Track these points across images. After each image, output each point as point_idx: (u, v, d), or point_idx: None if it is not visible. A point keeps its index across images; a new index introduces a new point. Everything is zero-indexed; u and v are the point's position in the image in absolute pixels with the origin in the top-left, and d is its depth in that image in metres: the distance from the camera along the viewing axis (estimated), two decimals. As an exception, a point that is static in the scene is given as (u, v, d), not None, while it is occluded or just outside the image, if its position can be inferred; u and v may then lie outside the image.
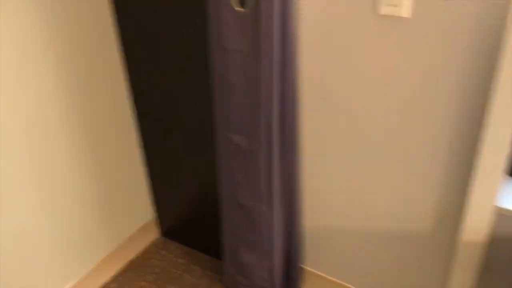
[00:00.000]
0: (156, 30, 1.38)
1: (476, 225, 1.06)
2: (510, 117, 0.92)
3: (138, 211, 1.78)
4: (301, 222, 1.41)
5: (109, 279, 1.67)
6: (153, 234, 1.87)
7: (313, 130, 1.26)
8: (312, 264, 1.51)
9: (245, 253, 1.43)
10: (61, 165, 1.40)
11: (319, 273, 1.51)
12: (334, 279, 1.49)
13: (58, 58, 1.30)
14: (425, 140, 1.10)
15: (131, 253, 1.77)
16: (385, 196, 1.23)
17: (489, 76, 0.95)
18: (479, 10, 0.91)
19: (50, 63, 1.29)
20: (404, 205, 1.22)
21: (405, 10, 0.98)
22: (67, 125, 1.39)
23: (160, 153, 1.66)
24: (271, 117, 1.16)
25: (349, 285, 1.47)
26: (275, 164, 1.23)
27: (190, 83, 1.40)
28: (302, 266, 1.51)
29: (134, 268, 1.73)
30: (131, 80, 1.54)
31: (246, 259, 1.44)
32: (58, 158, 1.38)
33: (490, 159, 0.98)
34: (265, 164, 1.23)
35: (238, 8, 1.07)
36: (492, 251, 1.11)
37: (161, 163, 1.69)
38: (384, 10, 1.00)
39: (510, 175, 1.11)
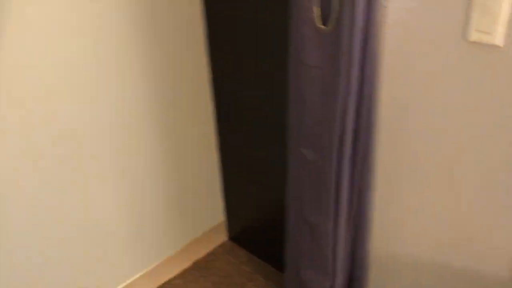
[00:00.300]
0: (242, 39, 1.43)
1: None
2: None
3: (209, 213, 1.83)
4: (368, 246, 1.37)
5: (174, 275, 1.74)
6: (222, 237, 1.91)
7: (389, 150, 1.22)
8: (376, 290, 1.45)
9: (307, 269, 1.42)
10: (141, 162, 1.48)
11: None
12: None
13: (146, 59, 1.38)
14: None
15: (198, 253, 1.83)
16: (479, 232, 1.14)
17: None
18: None
19: (138, 63, 1.37)
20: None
21: (498, 38, 0.92)
22: (150, 123, 1.47)
23: (236, 159, 1.70)
24: (344, 134, 1.14)
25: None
26: (345, 182, 1.21)
27: (271, 93, 1.43)
28: (365, 291, 1.46)
29: (199, 268, 1.78)
30: (214, 85, 1.60)
31: (307, 276, 1.43)
32: (138, 155, 1.47)
33: None
34: (334, 181, 1.21)
35: (319, 25, 1.07)
36: None
37: (237, 169, 1.73)
38: (475, 37, 0.95)
39: None
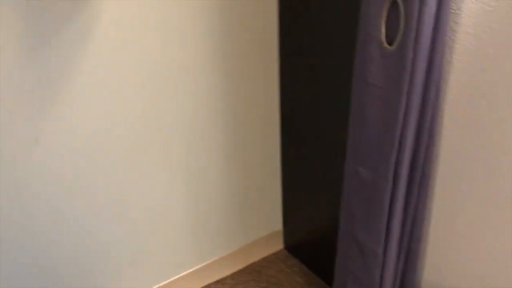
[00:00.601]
0: (311, 55, 1.45)
1: None
2: None
3: (268, 220, 1.87)
4: (420, 274, 1.33)
5: (226, 275, 1.79)
6: (277, 245, 1.94)
7: (449, 176, 1.17)
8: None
9: (354, 288, 1.40)
10: (209, 162, 1.56)
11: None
12: None
13: (222, 63, 1.45)
14: None
15: (253, 257, 1.87)
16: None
17: None
18: None
19: (214, 67, 1.44)
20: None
21: None
22: (220, 127, 1.54)
23: (298, 171, 1.72)
24: (402, 156, 1.13)
25: None
26: (399, 205, 1.18)
27: (335, 111, 1.43)
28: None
29: (251, 272, 1.82)
30: (282, 98, 1.64)
31: (353, 296, 1.41)
32: (208, 155, 1.55)
33: None
34: (387, 202, 1.19)
35: (385, 45, 1.06)
36: None
37: (298, 181, 1.75)
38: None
39: None
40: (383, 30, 1.06)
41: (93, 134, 1.29)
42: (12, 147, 1.16)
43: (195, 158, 1.53)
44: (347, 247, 1.37)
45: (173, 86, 1.39)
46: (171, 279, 1.64)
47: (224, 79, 1.49)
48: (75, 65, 1.20)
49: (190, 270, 1.69)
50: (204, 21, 1.37)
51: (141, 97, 1.34)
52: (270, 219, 1.88)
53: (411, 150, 1.13)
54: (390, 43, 1.06)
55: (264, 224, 1.87)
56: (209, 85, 1.46)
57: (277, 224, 1.90)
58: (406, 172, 1.16)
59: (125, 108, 1.32)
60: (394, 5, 1.02)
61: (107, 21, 1.20)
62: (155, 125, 1.40)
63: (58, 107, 1.20)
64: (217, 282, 1.76)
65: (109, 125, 1.31)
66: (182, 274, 1.66)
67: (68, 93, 1.21)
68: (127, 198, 1.43)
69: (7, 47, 1.08)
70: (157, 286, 1.61)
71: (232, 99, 1.53)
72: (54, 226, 1.31)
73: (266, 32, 1.53)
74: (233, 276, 1.80)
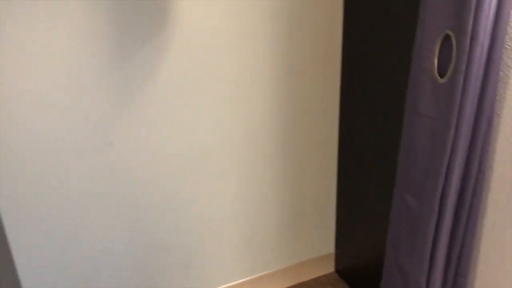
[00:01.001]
0: (370, 83, 1.49)
1: None
2: None
3: (320, 241, 1.90)
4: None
5: (273, 290, 1.84)
6: (328, 267, 1.96)
7: (497, 210, 1.16)
8: None
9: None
10: (265, 177, 1.63)
11: None
12: None
13: (282, 71, 1.53)
14: None
15: (303, 276, 1.90)
16: None
17: None
18: None
19: (275, 76, 1.52)
20: None
21: None
22: (277, 145, 1.61)
23: (353, 195, 1.75)
24: (449, 187, 1.13)
25: None
26: (444, 235, 1.18)
27: (390, 139, 1.46)
28: None
29: (299, 291, 1.86)
30: (341, 119, 1.68)
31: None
32: (264, 171, 1.62)
33: None
34: (432, 232, 1.19)
35: (437, 77, 1.09)
36: None
37: (352, 206, 1.77)
38: None
39: None
40: (436, 62, 1.09)
41: (162, 143, 1.41)
42: (90, 148, 1.31)
43: (254, 175, 1.61)
44: (391, 274, 1.37)
45: (240, 102, 1.48)
46: (221, 287, 1.72)
47: (287, 100, 1.56)
48: (153, 80, 1.33)
49: (240, 281, 1.75)
50: (270, 49, 1.47)
51: (209, 112, 1.45)
52: (323, 241, 1.91)
53: (459, 181, 1.14)
54: (442, 75, 1.08)
55: (317, 245, 1.90)
56: (271, 104, 1.54)
57: (330, 246, 1.93)
58: (453, 204, 1.16)
59: (194, 121, 1.43)
60: (447, 38, 1.05)
61: (184, 40, 1.32)
62: (218, 140, 1.50)
63: (135, 115, 1.34)
64: (265, 296, 1.82)
65: (177, 137, 1.42)
66: (231, 284, 1.74)
67: (145, 104, 1.34)
68: (185, 206, 1.53)
69: (92, 61, 1.23)
70: (207, 292, 1.70)
71: (293, 120, 1.60)
72: (114, 229, 1.44)
73: (329, 60, 1.59)
74: (280, 292, 1.84)
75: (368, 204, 1.66)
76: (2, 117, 1.16)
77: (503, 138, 1.10)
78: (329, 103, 1.66)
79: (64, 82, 1.21)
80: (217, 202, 1.58)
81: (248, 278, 1.77)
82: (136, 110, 1.33)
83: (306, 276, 1.91)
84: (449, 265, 1.24)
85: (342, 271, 1.93)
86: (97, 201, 1.37)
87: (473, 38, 0.98)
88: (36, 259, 1.34)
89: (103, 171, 1.35)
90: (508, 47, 1.03)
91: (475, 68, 1.00)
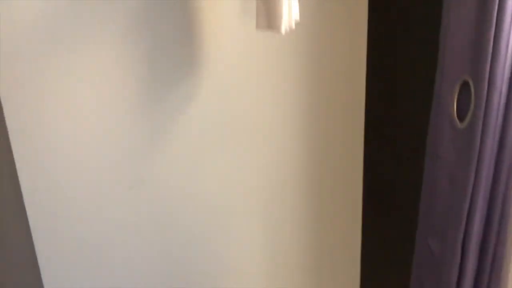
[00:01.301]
0: (393, 127, 1.53)
1: None
2: None
3: (345, 285, 1.88)
4: None
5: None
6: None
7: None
8: None
9: None
10: (288, 217, 1.64)
11: None
12: None
13: (309, 125, 1.57)
14: None
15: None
16: None
17: None
18: None
19: (302, 129, 1.56)
20: None
21: None
22: (303, 187, 1.63)
23: (378, 238, 1.74)
24: (471, 231, 1.13)
25: None
26: (467, 281, 1.17)
27: (415, 183, 1.47)
28: None
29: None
30: (366, 163, 1.71)
31: None
32: (287, 211, 1.63)
33: None
34: (455, 278, 1.18)
35: (456, 121, 1.11)
36: None
37: (377, 248, 1.76)
38: None
39: None
40: (455, 107, 1.11)
41: (188, 182, 1.45)
42: (121, 186, 1.36)
43: (276, 213, 1.63)
44: (415, 321, 1.35)
45: (267, 153, 1.52)
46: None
47: (313, 151, 1.60)
48: (181, 125, 1.39)
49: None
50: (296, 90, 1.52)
51: (235, 159, 1.49)
52: (348, 286, 1.89)
53: (480, 227, 1.14)
54: (461, 119, 1.11)
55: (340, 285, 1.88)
56: (298, 155, 1.58)
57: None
58: (476, 250, 1.15)
59: (221, 168, 1.47)
60: (465, 83, 1.08)
61: (212, 87, 1.39)
62: (244, 188, 1.53)
63: (163, 157, 1.39)
64: None
65: (204, 182, 1.46)
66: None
67: (173, 149, 1.39)
68: (210, 253, 1.55)
69: (124, 104, 1.31)
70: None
71: (319, 170, 1.63)
72: (142, 263, 1.47)
73: (353, 113, 1.64)
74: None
75: (392, 248, 1.65)
76: (42, 150, 1.23)
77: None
78: (353, 152, 1.69)
79: (96, 122, 1.27)
80: (237, 240, 1.59)
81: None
82: (166, 151, 1.38)
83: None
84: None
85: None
86: (127, 235, 1.41)
87: (491, 84, 1.01)
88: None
89: (133, 207, 1.39)
90: (526, 93, 1.05)
91: (493, 114, 1.03)
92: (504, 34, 0.98)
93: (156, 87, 1.31)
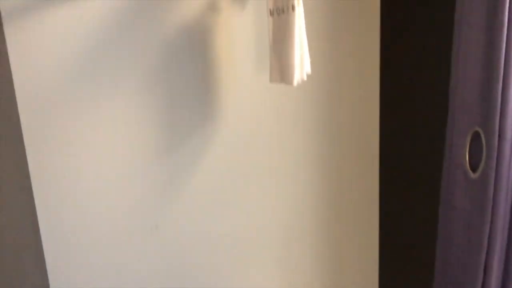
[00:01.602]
0: (409, 169, 1.54)
1: None
2: None
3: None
4: None
5: None
6: None
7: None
8: None
9: None
10: (305, 263, 1.63)
11: None
12: None
13: (323, 167, 1.58)
14: None
15: None
16: None
17: None
18: None
19: (316, 170, 1.57)
20: None
21: None
22: (318, 232, 1.63)
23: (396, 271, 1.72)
24: (489, 282, 1.12)
25: None
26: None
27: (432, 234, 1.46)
28: None
29: None
30: (382, 213, 1.70)
31: None
32: (303, 256, 1.62)
33: None
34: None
35: (469, 172, 1.12)
36: None
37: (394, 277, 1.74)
38: None
39: None
40: (467, 157, 1.12)
41: (205, 231, 1.46)
42: (137, 230, 1.38)
43: (291, 259, 1.62)
44: None
45: (275, 186, 1.54)
46: None
47: (328, 193, 1.61)
48: (199, 168, 1.42)
49: None
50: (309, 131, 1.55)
51: (251, 202, 1.50)
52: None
53: (499, 277, 1.12)
54: (474, 169, 1.11)
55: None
56: (308, 190, 1.58)
57: None
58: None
59: (236, 211, 1.49)
60: (476, 133, 1.09)
61: (229, 132, 1.42)
62: (259, 230, 1.53)
63: (180, 200, 1.41)
64: None
65: (219, 225, 1.48)
66: None
67: (190, 192, 1.41)
68: (223, 283, 1.54)
69: (143, 148, 1.35)
70: None
71: (331, 212, 1.64)
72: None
73: (367, 160, 1.65)
74: None
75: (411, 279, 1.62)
76: (59, 197, 1.26)
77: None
78: (368, 202, 1.69)
79: (114, 166, 1.31)
80: (259, 273, 1.57)
81: None
82: (181, 196, 1.41)
83: None
84: None
85: None
86: (143, 280, 1.41)
87: (501, 136, 1.02)
88: None
89: (148, 252, 1.40)
90: (538, 144, 1.06)
91: (505, 164, 1.03)
92: (512, 86, 1.01)
93: (173, 136, 1.35)
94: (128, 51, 1.23)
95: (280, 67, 1.15)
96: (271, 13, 1.16)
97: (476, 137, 1.10)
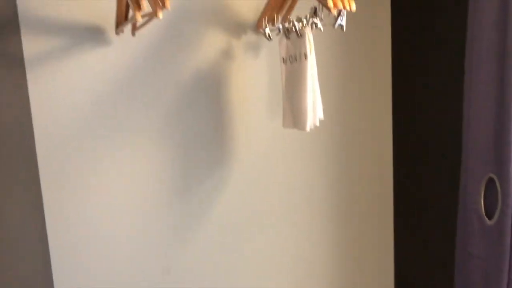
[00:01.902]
0: (423, 212, 1.52)
1: None
2: None
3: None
4: None
5: None
6: None
7: None
8: None
9: None
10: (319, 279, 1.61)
11: None
12: None
13: (336, 210, 1.57)
14: None
15: None
16: None
17: None
18: None
19: (329, 213, 1.56)
20: None
21: None
22: (332, 265, 1.60)
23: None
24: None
25: None
26: None
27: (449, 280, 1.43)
28: None
29: None
30: (396, 251, 1.67)
31: None
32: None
33: None
34: None
35: (485, 219, 1.10)
36: None
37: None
38: None
39: None
40: (482, 204, 1.11)
41: (216, 269, 1.44)
42: (150, 273, 1.37)
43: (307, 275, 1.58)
44: None
45: (289, 226, 1.52)
46: None
47: (341, 232, 1.59)
48: (211, 211, 1.42)
49: None
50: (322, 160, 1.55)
51: (264, 246, 1.49)
52: None
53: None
54: (490, 216, 1.10)
55: None
56: (321, 231, 1.56)
57: None
58: None
59: (247, 255, 1.47)
60: (491, 180, 1.09)
61: (240, 176, 1.43)
62: (273, 276, 1.52)
63: (192, 243, 1.40)
64: None
65: (232, 261, 1.46)
66: None
67: (202, 235, 1.41)
68: None
69: (159, 194, 1.36)
70: None
71: (346, 252, 1.61)
72: None
73: (382, 204, 1.64)
74: None
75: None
76: (75, 232, 1.27)
77: None
78: (383, 253, 1.68)
79: (127, 208, 1.32)
80: None
81: None
82: (194, 239, 1.41)
83: None
84: None
85: None
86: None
87: (516, 183, 1.02)
88: None
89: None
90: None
91: (521, 210, 1.02)
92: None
93: (187, 180, 1.37)
94: (142, 99, 1.27)
95: (293, 113, 1.17)
96: (284, 61, 1.19)
97: (491, 182, 1.09)
